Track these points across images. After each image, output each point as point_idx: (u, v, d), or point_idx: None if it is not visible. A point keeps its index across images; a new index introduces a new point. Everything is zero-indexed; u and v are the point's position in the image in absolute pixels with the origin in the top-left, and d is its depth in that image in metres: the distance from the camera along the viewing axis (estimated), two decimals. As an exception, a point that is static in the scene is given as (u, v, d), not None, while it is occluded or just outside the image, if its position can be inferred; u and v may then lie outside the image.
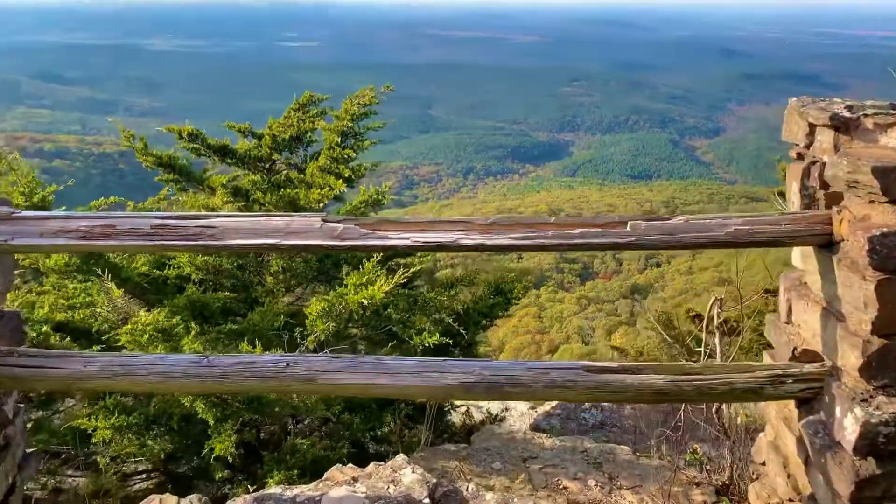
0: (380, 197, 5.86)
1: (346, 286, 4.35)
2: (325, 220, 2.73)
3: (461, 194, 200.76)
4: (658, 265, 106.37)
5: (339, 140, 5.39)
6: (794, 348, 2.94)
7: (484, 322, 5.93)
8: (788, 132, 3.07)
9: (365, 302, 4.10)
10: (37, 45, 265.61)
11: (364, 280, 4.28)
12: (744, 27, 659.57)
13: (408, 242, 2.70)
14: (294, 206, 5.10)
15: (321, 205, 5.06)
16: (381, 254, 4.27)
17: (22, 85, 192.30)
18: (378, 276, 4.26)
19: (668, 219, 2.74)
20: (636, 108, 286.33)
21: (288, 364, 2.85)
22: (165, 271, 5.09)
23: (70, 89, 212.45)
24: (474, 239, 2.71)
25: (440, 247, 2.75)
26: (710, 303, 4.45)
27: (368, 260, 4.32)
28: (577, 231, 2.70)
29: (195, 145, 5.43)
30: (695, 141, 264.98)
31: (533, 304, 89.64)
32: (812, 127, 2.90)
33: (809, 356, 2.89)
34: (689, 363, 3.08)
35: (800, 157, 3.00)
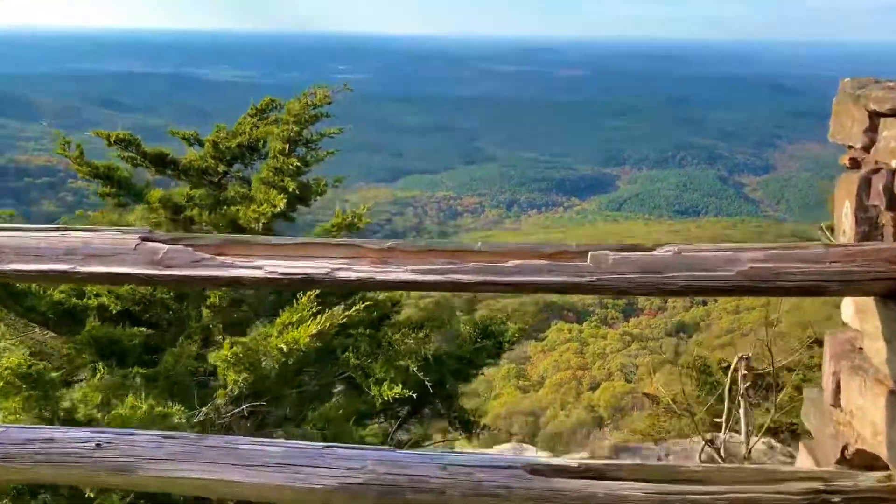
0: (355, 220, 4.99)
1: (273, 325, 3.46)
2: (144, 239, 1.85)
3: (504, 225, 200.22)
4: (704, 303, 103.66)
5: (284, 147, 4.54)
6: (845, 446, 1.92)
7: (469, 371, 4.97)
8: (838, 129, 2.08)
9: (285, 348, 3.20)
10: (97, 72, 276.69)
11: (296, 318, 3.38)
12: (796, 65, 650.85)
13: (260, 274, 1.82)
14: (235, 227, 4.26)
15: (259, 224, 4.20)
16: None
17: (82, 111, 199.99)
18: (313, 312, 3.35)
19: (651, 249, 1.82)
20: (684, 144, 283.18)
21: (99, 445, 1.96)
22: (85, 300, 4.28)
23: (126, 116, 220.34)
24: (360, 271, 1.82)
25: (308, 281, 1.84)
26: (735, 361, 3.36)
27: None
28: (512, 264, 1.82)
29: (129, 153, 4.65)
30: (744, 178, 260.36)
31: (575, 339, 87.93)
32: (874, 117, 1.90)
33: (867, 460, 1.87)
34: (687, 466, 2.05)
35: (855, 163, 2.00)
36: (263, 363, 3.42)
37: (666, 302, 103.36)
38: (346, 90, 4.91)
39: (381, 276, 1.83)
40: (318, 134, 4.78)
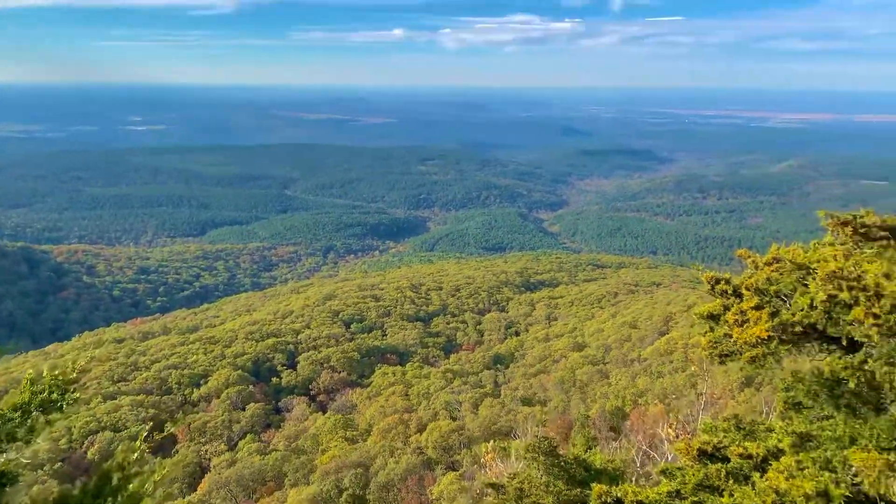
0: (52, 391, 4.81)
1: None
2: None
3: (322, 273, 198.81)
4: (517, 333, 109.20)
5: None
6: None
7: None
8: None
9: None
10: None
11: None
12: (581, 108, 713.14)
13: None
14: None
15: None
16: None
17: None
18: None
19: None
20: (487, 185, 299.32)
21: None
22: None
23: None
24: None
25: None
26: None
27: None
28: None
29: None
30: (542, 213, 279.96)
31: (400, 381, 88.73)
32: None
33: None
34: None
35: None
36: None
37: (482, 336, 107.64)
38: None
39: None
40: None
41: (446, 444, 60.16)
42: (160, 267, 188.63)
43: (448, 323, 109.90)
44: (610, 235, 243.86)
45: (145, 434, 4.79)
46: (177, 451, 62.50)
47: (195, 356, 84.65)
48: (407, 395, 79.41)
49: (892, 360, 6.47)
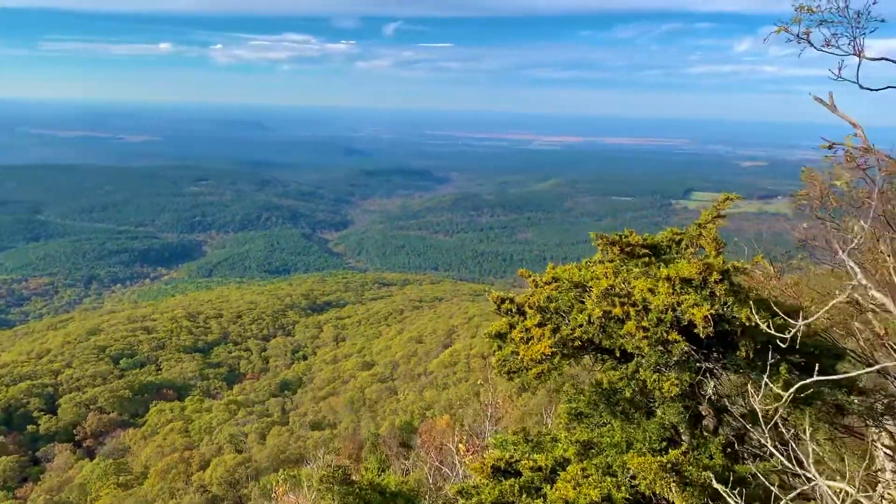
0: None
1: None
2: None
3: (84, 305, 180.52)
4: (305, 358, 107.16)
5: None
6: None
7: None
8: None
9: None
10: None
11: None
12: (361, 128, 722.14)
13: None
14: None
15: None
16: None
17: None
18: None
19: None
20: (268, 205, 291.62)
21: None
22: None
23: None
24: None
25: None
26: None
27: None
28: None
29: None
30: (326, 234, 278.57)
31: (178, 417, 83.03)
32: None
33: None
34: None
35: None
36: None
37: (267, 363, 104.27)
38: None
39: None
40: None
41: (232, 478, 57.56)
42: None
43: (230, 352, 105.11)
44: (394, 253, 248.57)
45: None
46: None
47: (-75, 410, 72.94)
48: (187, 431, 74.79)
49: (659, 368, 7.09)
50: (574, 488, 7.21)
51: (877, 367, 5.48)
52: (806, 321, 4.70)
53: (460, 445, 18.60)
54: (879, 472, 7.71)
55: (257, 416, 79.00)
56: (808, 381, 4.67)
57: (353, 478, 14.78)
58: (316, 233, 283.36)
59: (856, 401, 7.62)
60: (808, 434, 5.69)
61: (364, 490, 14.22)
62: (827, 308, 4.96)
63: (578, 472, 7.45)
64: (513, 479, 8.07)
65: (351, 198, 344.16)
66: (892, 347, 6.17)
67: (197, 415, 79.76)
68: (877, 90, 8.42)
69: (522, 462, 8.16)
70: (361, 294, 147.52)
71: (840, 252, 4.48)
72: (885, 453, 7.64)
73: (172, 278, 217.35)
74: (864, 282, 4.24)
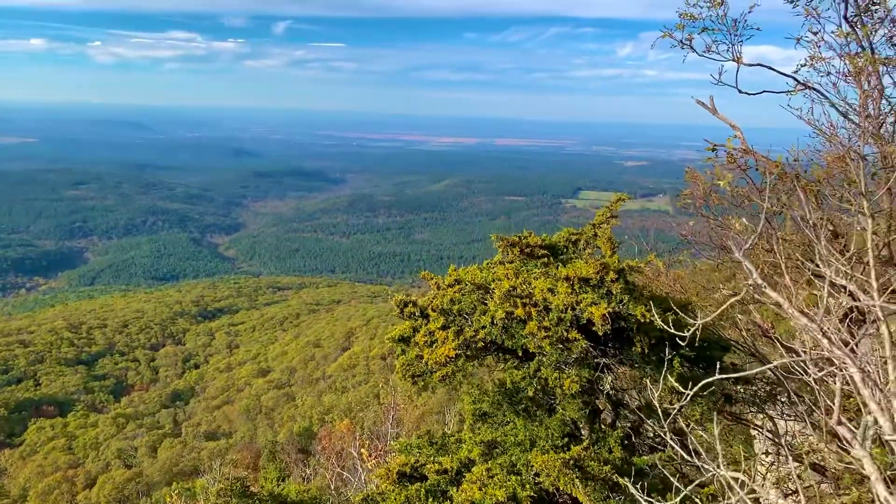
0: None
1: None
2: None
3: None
4: (197, 366, 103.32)
5: None
6: None
7: None
8: None
9: None
10: None
11: None
12: (251, 129, 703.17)
13: None
14: None
15: None
16: None
17: None
18: None
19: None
20: (154, 209, 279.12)
21: None
22: None
23: None
24: None
25: None
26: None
27: None
28: None
29: None
30: (216, 238, 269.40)
31: (61, 434, 78.21)
32: None
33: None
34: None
35: None
36: None
37: (157, 373, 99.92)
38: None
39: None
40: None
41: (122, 495, 55.15)
42: None
43: (116, 363, 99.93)
44: (289, 256, 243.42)
45: None
46: None
47: None
48: (71, 448, 70.70)
49: (560, 365, 7.24)
50: (480, 489, 7.25)
51: (775, 362, 5.82)
52: (703, 320, 4.93)
53: (363, 451, 18.40)
54: (761, 456, 8.20)
55: (147, 428, 75.69)
56: (712, 378, 4.92)
57: (252, 489, 14.34)
58: (206, 237, 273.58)
59: (741, 389, 8.08)
60: (704, 424, 5.97)
61: (264, 501, 13.83)
62: (723, 307, 5.23)
63: (484, 473, 7.50)
64: (419, 484, 8.02)
65: (242, 200, 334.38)
66: (776, 339, 6.59)
67: (81, 430, 75.53)
68: (754, 94, 8.96)
69: (428, 466, 8.13)
70: (255, 299, 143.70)
71: (736, 252, 4.73)
72: (767, 437, 8.12)
73: (51, 288, 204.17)
74: (759, 281, 4.49)
